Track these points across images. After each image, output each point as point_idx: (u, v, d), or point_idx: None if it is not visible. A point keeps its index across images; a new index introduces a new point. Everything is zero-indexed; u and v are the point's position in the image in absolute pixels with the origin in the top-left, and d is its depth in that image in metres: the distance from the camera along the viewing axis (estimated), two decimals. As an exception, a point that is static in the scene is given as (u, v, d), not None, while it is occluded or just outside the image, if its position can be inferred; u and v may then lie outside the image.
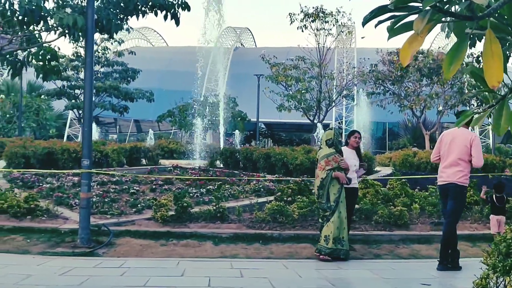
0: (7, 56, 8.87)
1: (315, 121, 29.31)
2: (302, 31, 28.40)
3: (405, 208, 10.06)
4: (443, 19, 2.17)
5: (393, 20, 2.21)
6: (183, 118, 36.24)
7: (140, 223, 9.55)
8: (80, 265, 7.20)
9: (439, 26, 2.46)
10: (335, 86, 30.44)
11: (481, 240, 9.13)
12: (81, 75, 34.54)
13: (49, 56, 8.93)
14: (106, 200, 10.98)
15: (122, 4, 9.39)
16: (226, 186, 12.86)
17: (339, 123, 46.20)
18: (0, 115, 37.29)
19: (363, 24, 2.25)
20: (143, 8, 9.43)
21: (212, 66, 35.32)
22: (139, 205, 10.61)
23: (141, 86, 38.60)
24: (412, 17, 2.13)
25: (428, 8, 2.03)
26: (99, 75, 37.61)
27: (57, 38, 9.07)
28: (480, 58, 15.82)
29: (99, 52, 35.50)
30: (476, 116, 2.63)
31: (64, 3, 8.97)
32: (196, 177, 14.00)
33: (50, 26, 8.75)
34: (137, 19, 9.58)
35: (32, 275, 6.56)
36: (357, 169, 8.69)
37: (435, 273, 7.20)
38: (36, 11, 8.04)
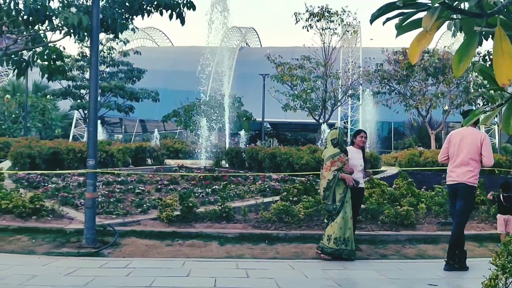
0: (12, 56, 8.87)
1: (321, 121, 29.27)
2: (308, 30, 28.47)
3: (411, 208, 10.01)
4: (452, 16, 2.14)
5: (401, 17, 2.18)
6: (188, 118, 36.26)
7: (145, 223, 9.53)
8: (86, 266, 7.19)
9: (444, 25, 2.43)
10: (340, 86, 30.38)
11: (488, 240, 9.09)
12: (87, 75, 34.63)
13: (54, 56, 8.91)
14: (111, 200, 10.96)
15: (127, 4, 9.40)
16: (232, 186, 12.83)
17: (344, 122, 46.14)
18: (6, 115, 37.38)
19: (371, 21, 2.22)
20: (148, 8, 9.43)
21: (217, 66, 35.35)
22: (144, 205, 10.60)
23: (146, 86, 38.74)
24: (421, 14, 2.11)
25: (437, 5, 2.00)
26: (104, 75, 37.75)
27: (62, 38, 9.07)
28: (487, 57, 15.81)
29: (104, 52, 35.66)
30: (484, 115, 2.60)
31: (69, 3, 9.00)
32: (201, 174, 13.98)
33: (55, 26, 8.76)
34: (142, 18, 9.58)
35: (37, 275, 6.56)
36: (362, 169, 8.64)
37: (442, 273, 7.14)
38: (41, 10, 8.04)
